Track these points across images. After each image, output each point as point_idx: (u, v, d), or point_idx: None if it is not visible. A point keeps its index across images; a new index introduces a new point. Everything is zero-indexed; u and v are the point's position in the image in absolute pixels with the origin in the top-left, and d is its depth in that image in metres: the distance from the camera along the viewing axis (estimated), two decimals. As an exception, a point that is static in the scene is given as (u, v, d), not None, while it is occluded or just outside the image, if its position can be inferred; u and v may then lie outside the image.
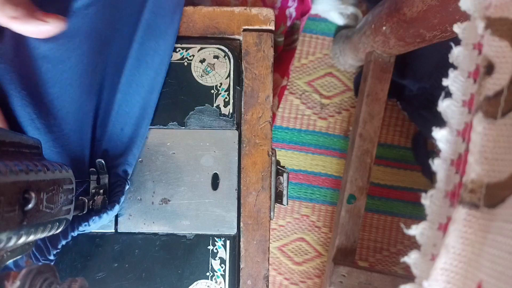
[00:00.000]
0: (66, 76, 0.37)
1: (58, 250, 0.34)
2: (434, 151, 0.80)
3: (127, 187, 0.37)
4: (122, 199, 0.36)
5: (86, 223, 0.34)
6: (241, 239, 0.38)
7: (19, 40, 0.36)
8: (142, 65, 0.37)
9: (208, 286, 0.37)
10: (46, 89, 0.37)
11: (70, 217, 0.31)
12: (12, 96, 0.36)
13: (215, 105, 0.39)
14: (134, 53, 0.37)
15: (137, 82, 0.37)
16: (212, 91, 0.39)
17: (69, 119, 0.37)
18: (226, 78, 0.39)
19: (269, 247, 0.38)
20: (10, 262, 0.28)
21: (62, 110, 0.37)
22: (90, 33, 0.38)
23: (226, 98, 0.39)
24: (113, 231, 0.37)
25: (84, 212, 0.34)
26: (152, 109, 0.38)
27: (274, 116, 0.47)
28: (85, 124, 0.37)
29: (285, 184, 0.40)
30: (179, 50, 0.39)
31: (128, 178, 0.37)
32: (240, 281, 0.38)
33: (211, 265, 0.37)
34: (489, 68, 0.22)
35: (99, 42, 0.38)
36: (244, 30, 0.40)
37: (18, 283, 0.23)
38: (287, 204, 0.40)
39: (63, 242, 0.34)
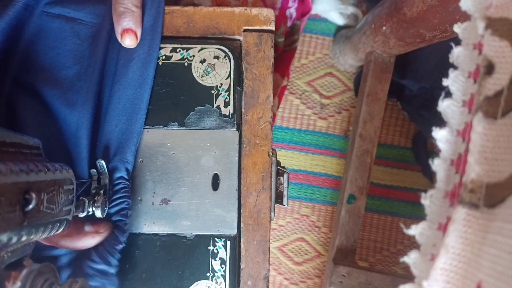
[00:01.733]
0: (68, 82, 0.38)
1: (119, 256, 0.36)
2: (434, 151, 0.80)
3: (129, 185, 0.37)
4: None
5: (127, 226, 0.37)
6: (242, 240, 0.38)
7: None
8: (129, 60, 0.38)
9: (208, 287, 0.37)
10: (46, 90, 0.37)
11: (70, 217, 0.31)
12: (13, 96, 0.37)
13: (215, 105, 0.39)
14: (123, 51, 0.38)
15: (126, 78, 0.38)
16: (213, 92, 0.39)
17: (69, 121, 0.37)
18: (226, 79, 0.39)
19: (269, 248, 0.38)
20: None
21: (61, 113, 0.37)
22: (88, 39, 0.39)
23: (226, 98, 0.39)
24: (114, 231, 0.37)
25: (125, 218, 0.36)
26: (145, 105, 0.38)
27: (274, 116, 0.47)
28: (84, 125, 0.37)
29: (285, 185, 0.40)
30: (180, 51, 0.39)
31: (129, 176, 0.37)
32: (241, 281, 0.38)
33: (212, 265, 0.37)
34: (489, 68, 0.22)
35: (97, 47, 0.38)
36: (245, 30, 0.40)
37: (18, 283, 0.23)
38: (287, 204, 0.40)
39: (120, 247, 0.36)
